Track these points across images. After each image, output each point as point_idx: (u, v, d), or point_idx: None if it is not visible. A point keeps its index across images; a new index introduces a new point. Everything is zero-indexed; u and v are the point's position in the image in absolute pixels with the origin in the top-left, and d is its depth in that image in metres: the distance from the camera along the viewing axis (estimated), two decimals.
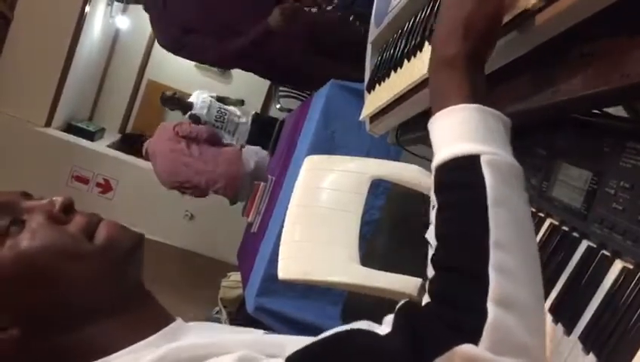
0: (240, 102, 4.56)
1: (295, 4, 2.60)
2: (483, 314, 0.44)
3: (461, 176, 0.50)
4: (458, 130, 0.51)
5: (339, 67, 2.38)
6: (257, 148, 3.86)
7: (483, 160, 0.49)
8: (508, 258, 0.46)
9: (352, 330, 0.50)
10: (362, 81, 1.22)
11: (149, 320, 0.63)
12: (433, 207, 0.52)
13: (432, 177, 0.53)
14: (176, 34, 2.70)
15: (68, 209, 0.64)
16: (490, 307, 0.44)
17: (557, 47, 0.57)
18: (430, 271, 0.50)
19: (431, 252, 0.51)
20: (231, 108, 4.29)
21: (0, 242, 0.59)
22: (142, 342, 0.59)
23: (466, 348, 0.43)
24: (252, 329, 0.70)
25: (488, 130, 0.51)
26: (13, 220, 0.60)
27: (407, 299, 0.51)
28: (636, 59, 0.48)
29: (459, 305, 0.46)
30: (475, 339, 0.43)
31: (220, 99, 4.39)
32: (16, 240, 0.59)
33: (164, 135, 3.65)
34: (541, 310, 0.49)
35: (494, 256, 0.46)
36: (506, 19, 0.57)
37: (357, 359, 0.47)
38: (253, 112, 4.33)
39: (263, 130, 3.89)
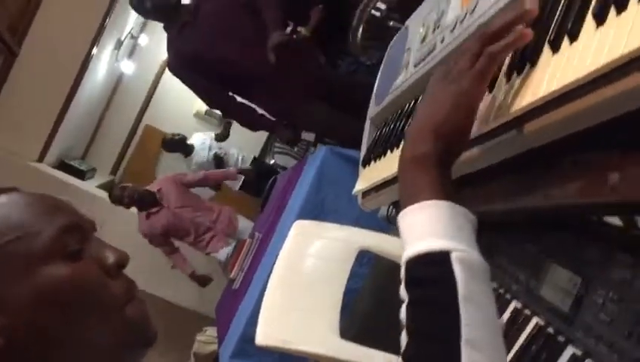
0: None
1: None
2: None
3: (432, 272, 0.51)
4: (429, 226, 0.53)
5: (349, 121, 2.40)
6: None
7: (454, 256, 0.50)
8: (479, 357, 0.47)
9: None
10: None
11: None
12: (403, 301, 0.52)
13: (403, 271, 0.53)
14: (183, 63, 2.57)
15: (122, 267, 0.63)
16: None
17: (549, 152, 0.57)
18: None
19: (403, 345, 0.51)
20: (232, 150, 4.37)
21: (56, 259, 0.58)
22: None
23: None
24: None
25: (458, 228, 0.52)
26: (80, 249, 0.60)
27: None
28: (627, 176, 0.48)
29: None
30: None
31: (219, 137, 4.46)
32: (67, 267, 0.58)
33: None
34: None
35: (466, 355, 0.46)
36: (494, 124, 0.59)
37: None
38: (252, 156, 4.39)
39: (262, 176, 3.93)
